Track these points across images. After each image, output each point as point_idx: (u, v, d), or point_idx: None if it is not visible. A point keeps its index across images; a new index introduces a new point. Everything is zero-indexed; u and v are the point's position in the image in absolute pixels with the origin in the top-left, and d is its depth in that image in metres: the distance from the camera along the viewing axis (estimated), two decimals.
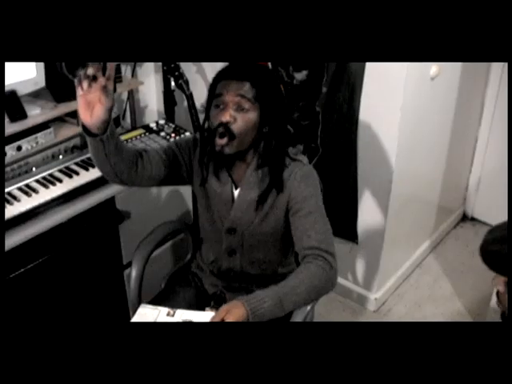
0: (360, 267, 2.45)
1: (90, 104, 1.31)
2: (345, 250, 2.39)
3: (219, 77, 1.47)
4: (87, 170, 1.98)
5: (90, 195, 1.93)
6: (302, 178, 1.51)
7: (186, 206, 2.30)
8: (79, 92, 1.31)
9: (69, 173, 1.96)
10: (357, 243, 2.35)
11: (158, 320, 1.41)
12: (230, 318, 1.30)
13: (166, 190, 2.22)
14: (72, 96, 1.96)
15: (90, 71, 1.28)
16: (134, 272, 1.73)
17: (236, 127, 1.43)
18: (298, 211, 1.50)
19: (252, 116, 1.44)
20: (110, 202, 2.00)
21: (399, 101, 1.97)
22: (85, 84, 1.30)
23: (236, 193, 1.56)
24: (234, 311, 1.32)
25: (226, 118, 1.42)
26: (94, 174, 1.96)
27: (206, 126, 1.51)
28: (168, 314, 1.43)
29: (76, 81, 1.31)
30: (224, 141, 1.44)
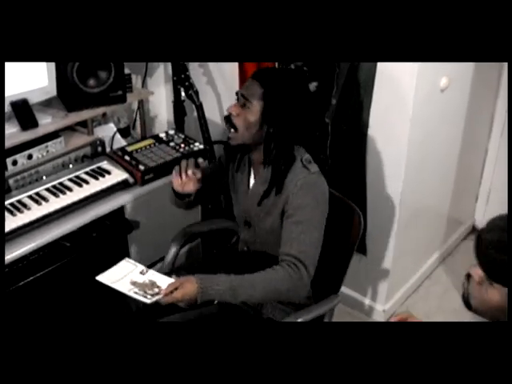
0: (368, 278, 2.43)
1: (184, 183, 1.64)
2: (353, 262, 2.37)
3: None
4: (97, 179, 1.99)
5: (99, 204, 1.93)
6: (303, 186, 1.53)
7: (195, 216, 2.29)
8: (176, 177, 1.65)
9: (79, 182, 1.97)
10: (365, 255, 2.33)
11: (130, 275, 1.51)
12: (179, 293, 1.41)
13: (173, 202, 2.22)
14: (83, 105, 2.01)
15: (190, 171, 1.63)
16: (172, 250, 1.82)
17: (237, 121, 1.55)
18: (290, 217, 1.53)
19: (252, 113, 1.53)
20: (120, 211, 2.00)
21: (409, 112, 1.96)
22: (184, 176, 1.64)
23: (251, 185, 1.67)
24: (186, 285, 1.42)
25: (230, 110, 1.56)
26: (104, 183, 1.97)
27: None
28: (141, 272, 1.52)
29: (174, 171, 1.66)
30: (230, 132, 1.58)
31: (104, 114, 2.28)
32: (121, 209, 2.00)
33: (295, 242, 1.51)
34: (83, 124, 2.08)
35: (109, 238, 1.99)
